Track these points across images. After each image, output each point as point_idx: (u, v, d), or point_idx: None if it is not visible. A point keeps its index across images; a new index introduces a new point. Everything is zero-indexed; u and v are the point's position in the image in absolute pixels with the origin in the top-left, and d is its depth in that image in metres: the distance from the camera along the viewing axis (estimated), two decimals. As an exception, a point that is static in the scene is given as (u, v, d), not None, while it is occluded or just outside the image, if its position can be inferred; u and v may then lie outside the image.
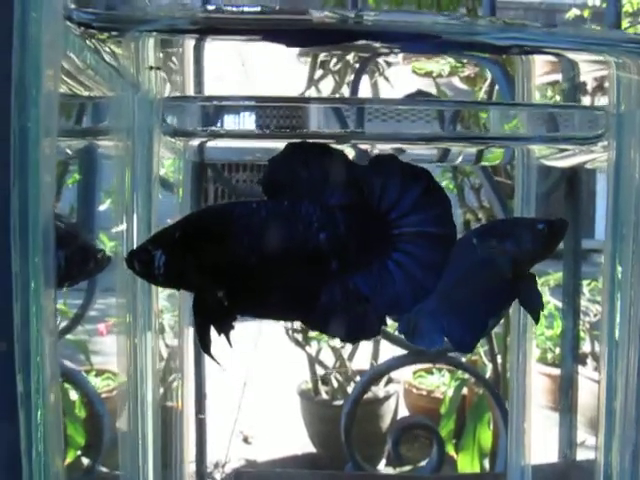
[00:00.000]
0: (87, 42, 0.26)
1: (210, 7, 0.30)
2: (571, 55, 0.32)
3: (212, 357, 0.30)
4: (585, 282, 2.24)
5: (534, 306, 0.34)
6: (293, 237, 0.27)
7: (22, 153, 0.23)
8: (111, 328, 1.86)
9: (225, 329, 0.29)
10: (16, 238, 0.23)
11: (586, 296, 2.24)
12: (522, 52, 0.34)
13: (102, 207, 0.86)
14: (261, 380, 2.33)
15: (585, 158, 0.40)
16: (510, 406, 0.46)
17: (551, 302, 2.32)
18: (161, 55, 0.32)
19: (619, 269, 0.32)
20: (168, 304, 0.73)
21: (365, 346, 2.02)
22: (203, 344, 0.29)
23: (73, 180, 0.90)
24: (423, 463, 0.71)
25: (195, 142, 0.38)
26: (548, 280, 2.33)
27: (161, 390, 0.57)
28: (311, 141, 0.28)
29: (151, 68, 0.31)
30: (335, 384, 1.99)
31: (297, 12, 0.28)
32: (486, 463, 1.45)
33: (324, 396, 2.01)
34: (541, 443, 0.92)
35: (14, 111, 0.22)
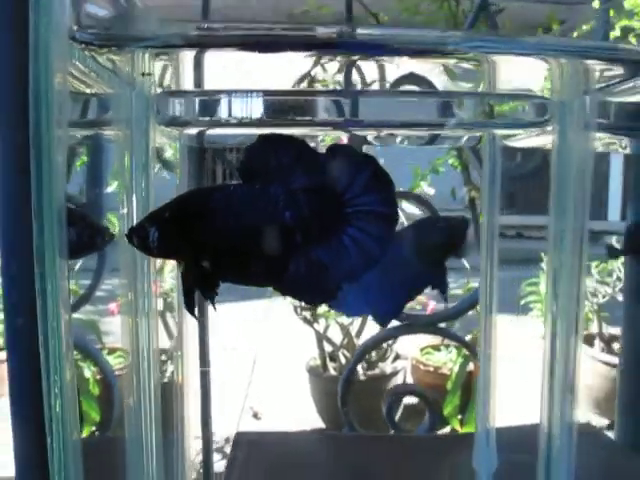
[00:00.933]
0: (88, 53, 0.29)
1: (207, 25, 0.32)
2: (521, 58, 0.35)
3: (195, 317, 0.36)
4: (594, 263, 2.24)
5: (443, 293, 0.40)
6: (263, 215, 0.32)
7: (36, 140, 0.25)
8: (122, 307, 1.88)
9: (209, 294, 0.33)
10: (34, 215, 0.26)
11: (595, 277, 2.25)
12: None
13: (109, 189, 0.88)
14: (270, 357, 2.37)
15: (542, 140, 0.43)
16: (481, 368, 0.48)
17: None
18: (156, 63, 0.34)
19: (564, 246, 0.35)
20: (177, 283, 0.75)
21: (372, 325, 2.04)
22: (188, 306, 0.34)
23: (81, 162, 0.92)
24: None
25: (191, 130, 0.40)
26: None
27: (170, 367, 0.59)
28: (278, 132, 0.32)
29: (143, 75, 0.33)
30: (343, 360, 2.02)
31: (299, 28, 0.31)
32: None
33: (332, 372, 2.04)
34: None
35: (31, 108, 0.25)
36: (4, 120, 0.29)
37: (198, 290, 0.33)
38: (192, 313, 0.35)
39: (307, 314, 1.96)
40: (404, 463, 0.57)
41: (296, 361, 2.17)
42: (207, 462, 0.83)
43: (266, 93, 0.38)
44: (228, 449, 1.77)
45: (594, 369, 2.10)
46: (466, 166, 1.41)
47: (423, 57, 0.36)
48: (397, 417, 0.77)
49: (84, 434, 1.13)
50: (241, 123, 0.38)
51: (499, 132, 0.44)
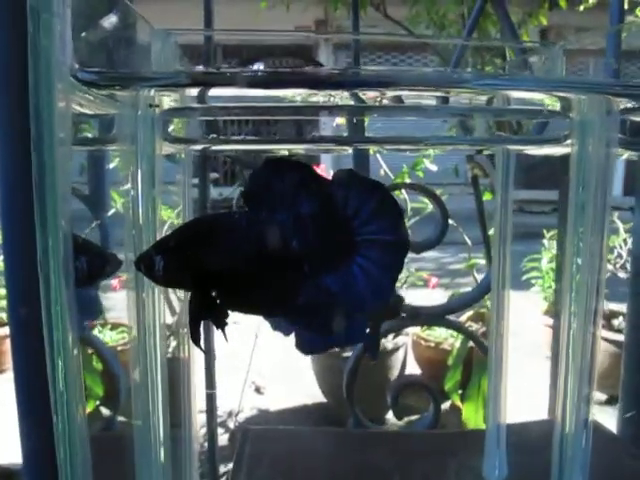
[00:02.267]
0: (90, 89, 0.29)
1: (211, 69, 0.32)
2: (537, 95, 0.35)
3: (201, 348, 0.35)
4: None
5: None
6: (270, 243, 0.31)
7: (39, 158, 0.25)
8: (125, 283, 1.89)
9: (221, 324, 0.33)
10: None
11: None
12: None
13: (111, 165, 0.88)
14: (272, 332, 2.37)
15: (558, 150, 0.43)
16: (487, 370, 0.48)
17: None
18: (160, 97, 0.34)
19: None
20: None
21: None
22: (194, 337, 0.33)
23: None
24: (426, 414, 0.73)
25: (197, 147, 0.40)
26: (556, 234, 2.34)
27: (173, 342, 0.60)
28: (284, 157, 0.31)
29: (151, 106, 0.33)
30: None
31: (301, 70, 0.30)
32: (490, 413, 1.49)
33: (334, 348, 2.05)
34: (541, 396, 0.94)
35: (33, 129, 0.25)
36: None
37: (210, 321, 0.33)
38: (197, 344, 0.34)
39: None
40: (411, 462, 0.57)
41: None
42: (212, 438, 0.84)
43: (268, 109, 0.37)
44: (231, 424, 1.79)
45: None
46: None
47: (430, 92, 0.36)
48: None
49: (89, 409, 1.14)
50: (245, 140, 0.38)
51: (513, 148, 0.44)
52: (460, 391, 1.67)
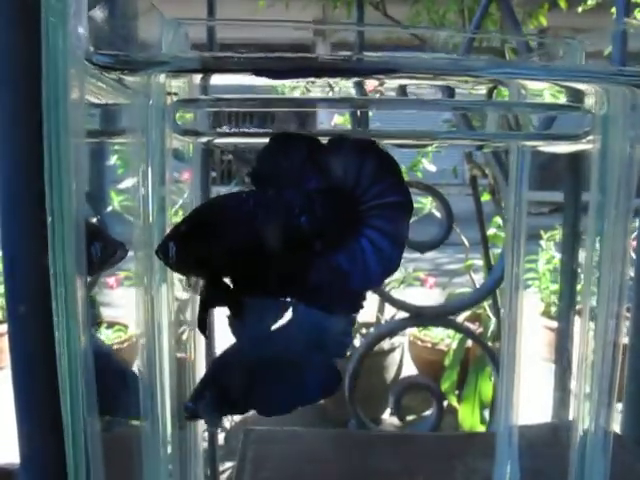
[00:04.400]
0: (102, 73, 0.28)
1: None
2: (561, 83, 0.33)
3: (206, 335, 0.34)
4: (598, 237, 2.23)
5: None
6: (279, 222, 0.30)
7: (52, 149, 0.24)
8: (122, 281, 1.90)
9: (236, 310, 0.32)
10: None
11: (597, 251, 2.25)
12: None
13: (109, 162, 0.87)
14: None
15: (576, 147, 0.42)
16: (501, 365, 0.47)
17: (556, 257, 2.33)
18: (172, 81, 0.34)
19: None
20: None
21: (371, 298, 2.05)
22: (201, 325, 0.32)
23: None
24: (426, 413, 0.73)
25: (204, 139, 0.39)
26: (554, 235, 2.34)
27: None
28: (288, 132, 0.30)
29: (169, 94, 0.32)
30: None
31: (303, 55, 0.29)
32: (486, 414, 1.49)
33: (330, 348, 2.05)
34: (538, 398, 0.94)
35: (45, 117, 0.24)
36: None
37: (226, 307, 0.32)
38: (204, 332, 0.33)
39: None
40: (417, 465, 0.56)
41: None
42: (211, 437, 0.84)
43: (279, 101, 0.36)
44: (227, 423, 1.78)
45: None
46: (468, 144, 1.40)
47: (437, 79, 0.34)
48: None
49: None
50: (258, 133, 0.37)
51: (529, 144, 0.43)
52: (456, 392, 1.67)
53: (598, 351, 0.34)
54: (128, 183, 1.83)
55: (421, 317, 0.67)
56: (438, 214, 1.85)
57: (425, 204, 1.96)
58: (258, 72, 0.28)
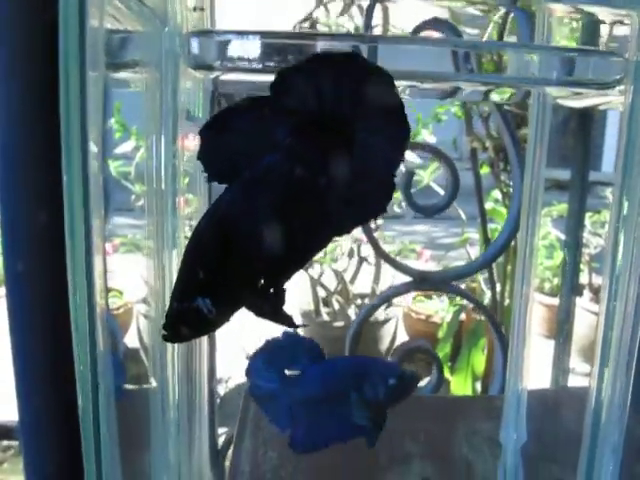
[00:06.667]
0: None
1: None
2: (591, 9, 0.32)
3: (296, 325, 0.31)
4: (588, 214, 2.24)
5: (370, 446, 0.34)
6: (276, 188, 0.27)
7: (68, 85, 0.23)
8: (118, 247, 1.89)
9: (284, 319, 0.29)
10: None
11: (587, 228, 2.26)
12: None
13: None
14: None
15: (600, 100, 0.40)
16: (511, 334, 0.47)
17: (552, 233, 2.34)
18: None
19: (625, 205, 0.33)
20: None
21: (366, 269, 2.05)
22: (284, 321, 0.30)
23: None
24: (423, 383, 0.73)
25: (212, 75, 0.38)
26: (551, 211, 2.34)
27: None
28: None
29: (195, 9, 0.31)
30: (336, 306, 2.03)
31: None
32: (478, 385, 1.50)
33: (325, 317, 2.06)
34: (535, 370, 0.95)
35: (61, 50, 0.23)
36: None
37: (274, 321, 0.29)
38: (295, 325, 0.30)
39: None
40: (421, 428, 0.56)
41: (290, 304, 2.18)
42: (211, 398, 0.84)
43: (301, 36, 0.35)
44: (221, 390, 1.80)
45: (584, 319, 2.14)
46: (469, 116, 1.39)
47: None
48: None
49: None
50: (263, 69, 0.35)
51: (553, 92, 0.41)
52: (450, 363, 1.69)
53: (616, 330, 0.33)
54: (126, 147, 1.81)
55: (425, 282, 0.66)
56: (436, 187, 1.84)
57: (423, 177, 1.95)
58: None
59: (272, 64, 0.31)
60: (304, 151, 0.27)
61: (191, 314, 0.27)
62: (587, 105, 0.44)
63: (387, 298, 0.77)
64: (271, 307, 0.29)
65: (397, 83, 0.28)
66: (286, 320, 0.30)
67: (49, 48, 0.22)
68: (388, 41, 0.38)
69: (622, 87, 0.32)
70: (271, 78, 0.26)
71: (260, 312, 0.29)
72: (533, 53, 0.34)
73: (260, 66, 0.32)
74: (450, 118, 1.62)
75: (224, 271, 0.27)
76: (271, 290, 0.29)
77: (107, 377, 0.26)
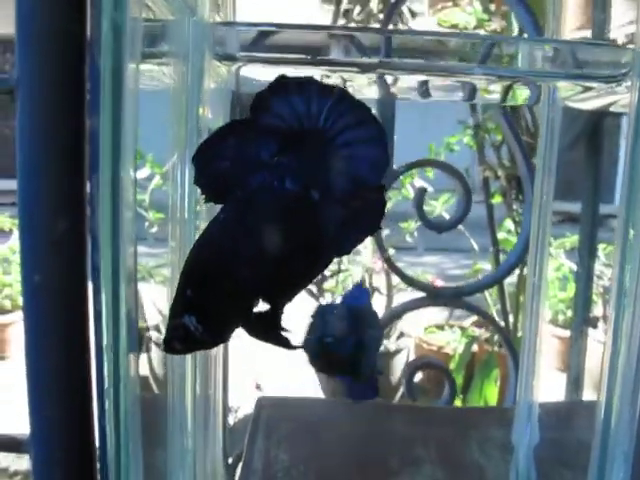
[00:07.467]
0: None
1: None
2: None
3: (292, 347, 0.32)
4: (601, 246, 2.22)
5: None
6: (275, 215, 0.28)
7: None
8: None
9: (282, 340, 0.31)
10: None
11: (601, 260, 2.24)
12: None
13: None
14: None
15: (608, 100, 0.39)
16: (521, 361, 0.47)
17: (565, 265, 2.32)
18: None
19: (631, 232, 0.33)
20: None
21: (378, 299, 2.04)
22: (282, 344, 0.31)
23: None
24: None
25: (234, 67, 0.38)
26: (564, 243, 2.33)
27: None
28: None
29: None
30: (347, 336, 2.01)
31: None
32: (492, 418, 1.48)
33: (335, 348, 2.04)
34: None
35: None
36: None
37: (267, 342, 0.30)
38: (291, 346, 0.31)
39: (313, 288, 1.96)
40: (432, 434, 0.56)
41: (300, 334, 2.17)
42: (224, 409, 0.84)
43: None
44: (231, 420, 1.78)
45: (598, 351, 2.11)
46: (481, 145, 1.40)
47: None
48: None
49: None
50: (306, 60, 0.35)
51: (562, 88, 0.41)
52: (462, 395, 1.66)
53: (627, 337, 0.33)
54: (141, 174, 1.83)
55: (438, 297, 0.66)
56: (447, 216, 1.84)
57: (435, 207, 1.95)
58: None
59: (293, 57, 0.31)
60: (291, 166, 0.27)
61: (180, 330, 0.27)
62: (595, 107, 0.44)
63: (397, 314, 0.77)
64: (263, 328, 0.29)
65: (413, 77, 0.28)
66: (281, 341, 0.31)
67: (74, 54, 0.22)
68: (404, 33, 0.38)
69: (629, 83, 0.32)
70: (291, 71, 0.26)
71: (252, 332, 0.29)
72: (544, 45, 0.33)
73: (281, 57, 0.31)
74: (462, 148, 1.62)
75: (212, 290, 0.27)
76: (268, 311, 0.29)
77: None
